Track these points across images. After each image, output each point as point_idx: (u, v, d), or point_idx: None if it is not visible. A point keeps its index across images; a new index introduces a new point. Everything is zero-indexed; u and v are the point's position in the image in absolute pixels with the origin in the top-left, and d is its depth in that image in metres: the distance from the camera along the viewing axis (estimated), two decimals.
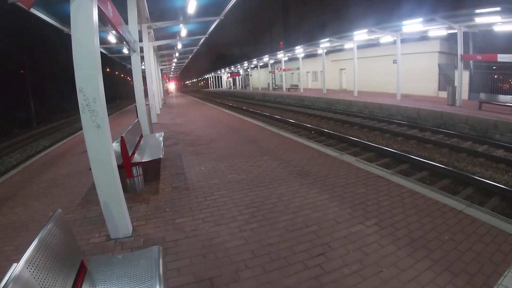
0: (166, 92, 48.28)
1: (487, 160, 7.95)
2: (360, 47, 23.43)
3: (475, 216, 3.64)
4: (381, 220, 3.65)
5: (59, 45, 26.74)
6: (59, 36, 13.49)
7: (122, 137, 4.65)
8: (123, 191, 3.59)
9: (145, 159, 5.14)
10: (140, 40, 12.03)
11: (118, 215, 3.47)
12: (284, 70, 36.16)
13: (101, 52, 3.79)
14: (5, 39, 29.52)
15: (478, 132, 11.06)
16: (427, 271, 2.71)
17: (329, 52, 30.13)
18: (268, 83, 43.77)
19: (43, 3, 9.24)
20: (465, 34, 15.52)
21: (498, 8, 11.76)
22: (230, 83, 67.87)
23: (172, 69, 51.63)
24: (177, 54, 29.84)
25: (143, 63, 16.11)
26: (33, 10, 9.22)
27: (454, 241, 3.15)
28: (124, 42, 8.95)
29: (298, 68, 33.48)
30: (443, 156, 8.48)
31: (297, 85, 34.01)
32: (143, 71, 15.66)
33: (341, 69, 31.40)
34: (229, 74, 63.39)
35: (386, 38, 19.75)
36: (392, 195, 4.38)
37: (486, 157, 8.08)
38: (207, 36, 19.59)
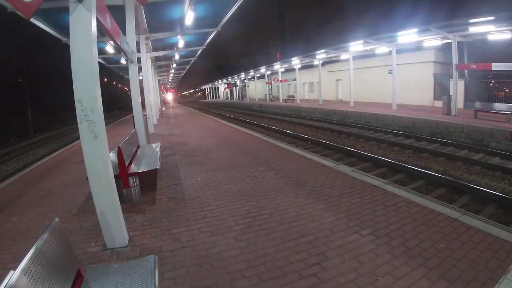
0: (163, 102, 48.46)
1: (483, 168, 8.01)
2: (356, 58, 23.74)
3: (470, 224, 3.67)
4: (377, 230, 3.66)
5: (57, 54, 26.97)
6: (57, 45, 13.61)
7: (119, 147, 4.65)
8: (120, 201, 3.61)
9: (142, 169, 5.14)
10: (138, 51, 12.14)
11: (115, 225, 3.47)
12: (281, 81, 36.45)
13: (99, 62, 3.82)
14: (4, 47, 29.70)
15: (474, 140, 11.15)
16: (423, 279, 2.72)
17: (325, 63, 30.50)
18: (265, 94, 44.01)
19: (43, 13, 9.35)
20: (460, 44, 15.74)
21: (492, 17, 11.95)
22: (227, 94, 68.29)
23: (170, 80, 51.88)
24: (174, 65, 30.08)
25: (141, 74, 16.22)
26: (32, 20, 9.32)
27: (450, 249, 3.17)
28: (122, 53, 9.02)
29: (294, 79, 33.69)
30: (439, 165, 8.53)
31: (294, 96, 34.19)
32: (141, 82, 15.77)
33: (337, 79, 31.67)
34: (226, 85, 63.78)
35: (381, 48, 19.98)
36: (388, 204, 4.41)
37: (482, 165, 8.15)
38: (205, 47, 19.77)
